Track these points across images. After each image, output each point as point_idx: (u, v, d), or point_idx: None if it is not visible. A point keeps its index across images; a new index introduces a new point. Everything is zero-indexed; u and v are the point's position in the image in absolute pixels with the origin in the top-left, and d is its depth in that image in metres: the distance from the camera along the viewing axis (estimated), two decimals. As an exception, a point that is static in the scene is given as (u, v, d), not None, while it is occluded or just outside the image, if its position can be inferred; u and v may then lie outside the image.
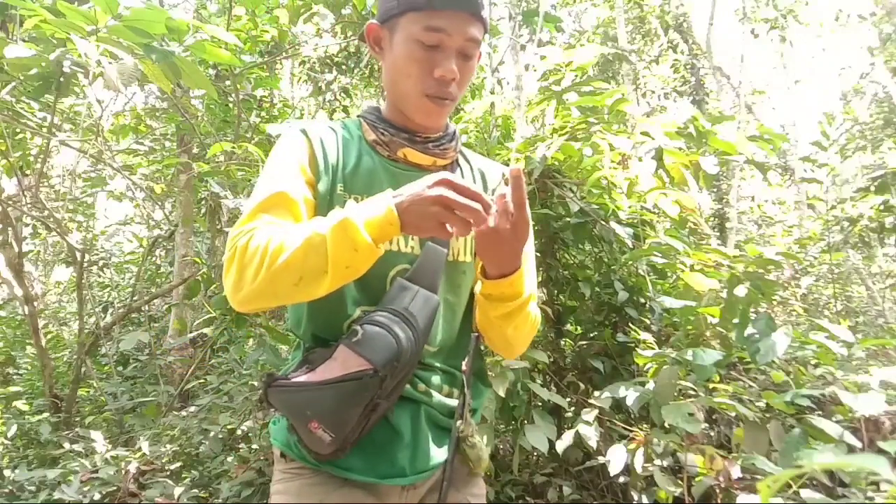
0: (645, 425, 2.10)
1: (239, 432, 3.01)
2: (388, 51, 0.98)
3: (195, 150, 4.60)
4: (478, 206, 0.78)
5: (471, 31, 0.93)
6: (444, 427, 0.99)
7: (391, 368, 0.85)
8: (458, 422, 0.98)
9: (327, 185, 0.96)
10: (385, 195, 0.82)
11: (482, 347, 1.12)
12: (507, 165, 2.45)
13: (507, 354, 1.14)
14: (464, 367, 1.03)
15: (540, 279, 2.54)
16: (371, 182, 0.98)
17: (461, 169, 1.09)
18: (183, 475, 2.75)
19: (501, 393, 1.92)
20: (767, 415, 1.73)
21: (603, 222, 2.35)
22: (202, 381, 3.90)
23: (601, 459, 1.97)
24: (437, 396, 0.99)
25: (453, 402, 1.00)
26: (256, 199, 0.90)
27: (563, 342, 2.66)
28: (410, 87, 0.96)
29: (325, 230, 0.79)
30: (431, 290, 0.94)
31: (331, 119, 6.21)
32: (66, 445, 2.92)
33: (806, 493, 1.43)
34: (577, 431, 1.94)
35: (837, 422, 1.63)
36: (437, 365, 1.01)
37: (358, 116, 1.08)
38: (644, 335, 2.16)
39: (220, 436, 2.92)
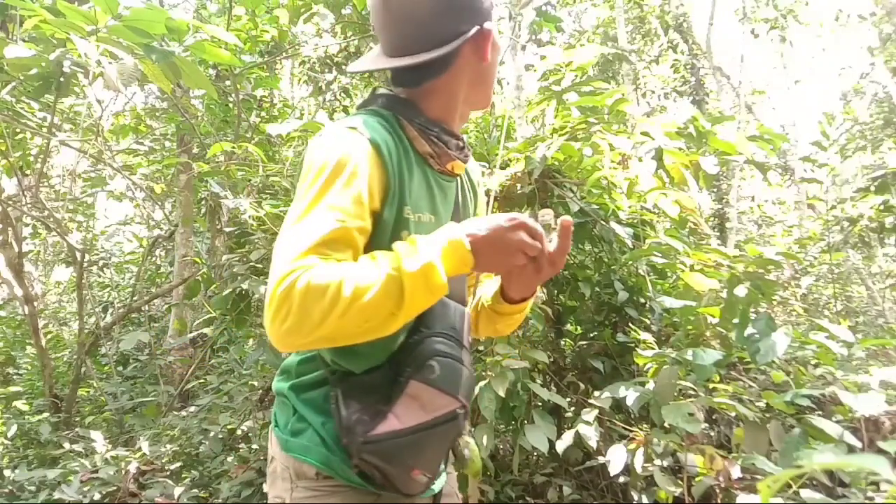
0: (645, 425, 2.10)
1: (239, 432, 3.01)
2: (490, 52, 0.97)
3: (195, 150, 4.60)
4: (542, 247, 0.83)
5: None
6: None
7: (470, 400, 0.88)
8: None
9: (394, 209, 0.88)
10: (457, 232, 0.80)
11: None
12: (506, 167, 2.46)
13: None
14: None
15: (540, 279, 2.54)
16: (430, 200, 0.96)
17: None
18: (183, 475, 2.75)
19: (501, 393, 1.92)
20: (767, 415, 1.73)
21: (603, 222, 2.35)
22: (202, 381, 3.90)
23: (601, 459, 1.97)
24: None
25: None
26: (318, 232, 0.78)
27: (563, 342, 2.66)
28: (493, 83, 1.02)
29: (399, 272, 0.75)
30: (461, 302, 0.97)
31: (331, 119, 6.21)
32: (66, 445, 2.92)
33: (806, 493, 1.43)
34: (577, 431, 1.94)
35: (837, 422, 1.63)
36: None
37: (393, 114, 0.95)
38: (644, 335, 2.15)
39: (220, 436, 2.93)
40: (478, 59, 0.96)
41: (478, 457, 0.96)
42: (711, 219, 8.19)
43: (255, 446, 2.78)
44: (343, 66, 5.58)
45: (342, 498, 0.90)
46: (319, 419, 0.90)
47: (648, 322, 2.47)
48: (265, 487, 2.30)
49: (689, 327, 2.14)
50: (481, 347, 2.23)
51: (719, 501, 1.70)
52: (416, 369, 0.86)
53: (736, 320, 1.74)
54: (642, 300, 2.52)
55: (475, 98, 1.01)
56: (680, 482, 1.80)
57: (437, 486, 1.00)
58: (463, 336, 0.92)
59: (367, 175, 0.84)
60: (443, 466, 1.01)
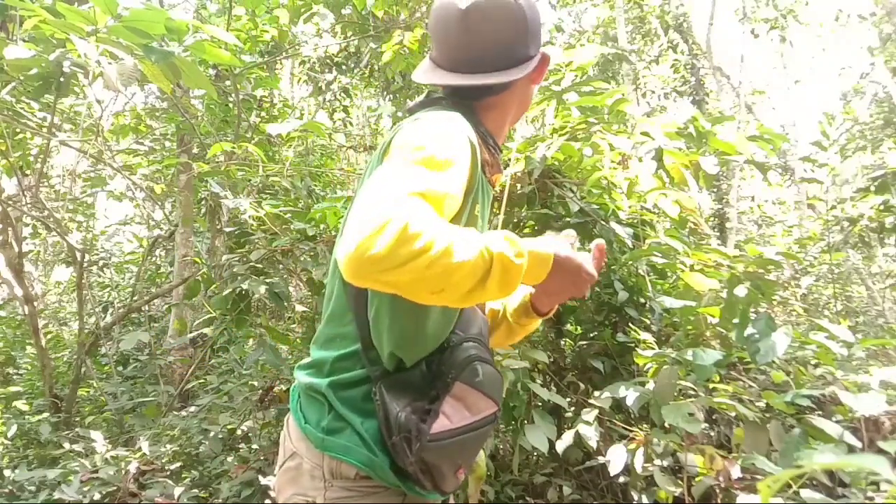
0: (645, 425, 2.10)
1: (239, 432, 3.01)
2: (538, 75, 1.06)
3: (195, 150, 4.60)
4: None
5: None
6: None
7: (501, 403, 0.94)
8: None
9: (469, 204, 0.92)
10: (549, 248, 0.85)
11: None
12: (506, 167, 2.45)
13: None
14: None
15: (540, 279, 2.54)
16: (484, 206, 1.00)
17: None
18: (183, 475, 2.75)
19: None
20: (767, 415, 1.73)
21: (603, 222, 2.35)
22: (202, 381, 3.90)
23: (601, 459, 1.97)
24: None
25: None
26: (424, 184, 0.77)
27: (563, 342, 2.66)
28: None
29: (491, 255, 0.76)
30: (480, 308, 1.02)
31: (331, 119, 6.21)
32: (66, 445, 2.92)
33: (806, 493, 1.43)
34: (577, 431, 1.94)
35: (837, 422, 1.63)
36: None
37: (462, 116, 0.97)
38: (644, 335, 2.16)
39: (220, 436, 2.92)
40: (530, 82, 1.05)
41: (483, 461, 0.99)
42: (711, 219, 8.19)
43: (255, 446, 2.78)
44: (343, 66, 5.58)
45: (377, 499, 0.90)
46: (359, 419, 0.89)
47: (648, 322, 2.47)
48: (269, 482, 2.32)
49: (689, 327, 2.14)
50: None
51: (719, 501, 1.70)
52: (461, 371, 0.89)
53: (736, 320, 1.74)
54: (642, 300, 2.51)
55: (517, 116, 1.08)
56: (680, 482, 1.80)
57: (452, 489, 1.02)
58: (488, 342, 0.98)
59: (464, 165, 0.86)
60: None
